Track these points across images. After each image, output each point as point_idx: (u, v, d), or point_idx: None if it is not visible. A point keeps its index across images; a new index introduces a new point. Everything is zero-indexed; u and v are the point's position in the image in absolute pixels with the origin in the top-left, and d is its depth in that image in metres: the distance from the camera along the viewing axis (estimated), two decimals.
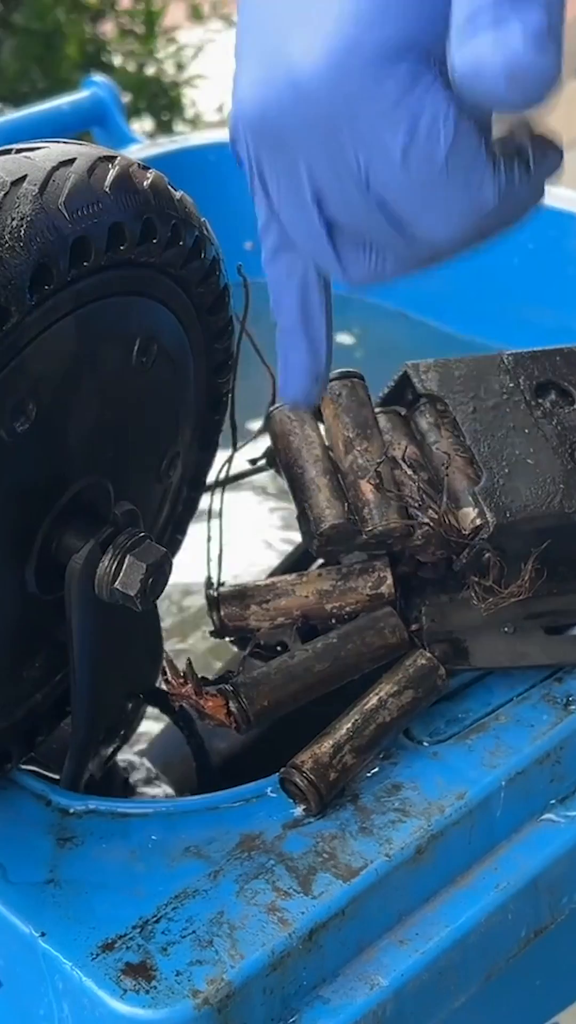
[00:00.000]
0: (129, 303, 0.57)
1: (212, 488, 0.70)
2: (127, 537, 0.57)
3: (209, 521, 0.72)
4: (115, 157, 0.55)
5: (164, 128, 2.80)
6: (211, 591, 0.69)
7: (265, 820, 0.62)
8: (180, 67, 2.88)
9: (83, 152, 0.54)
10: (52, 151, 0.53)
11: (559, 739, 0.65)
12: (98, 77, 1.32)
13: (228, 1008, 0.55)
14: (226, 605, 0.68)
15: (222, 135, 1.38)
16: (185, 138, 1.32)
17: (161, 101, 2.79)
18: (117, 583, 0.57)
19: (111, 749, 0.68)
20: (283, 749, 0.65)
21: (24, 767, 0.66)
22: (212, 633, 0.70)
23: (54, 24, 2.57)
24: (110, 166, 0.54)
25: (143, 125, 2.81)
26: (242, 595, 0.68)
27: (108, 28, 2.87)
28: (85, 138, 1.07)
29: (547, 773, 0.64)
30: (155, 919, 0.57)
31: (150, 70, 2.82)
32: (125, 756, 0.80)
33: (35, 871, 0.60)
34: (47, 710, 0.65)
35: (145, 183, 0.55)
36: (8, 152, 0.53)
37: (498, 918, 0.61)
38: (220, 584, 0.73)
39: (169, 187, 0.57)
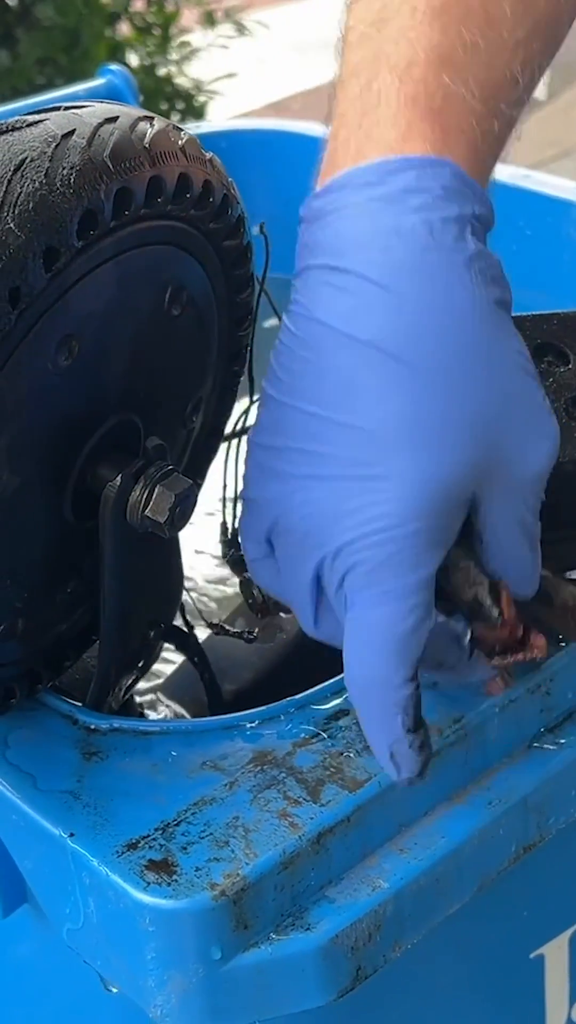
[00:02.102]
0: (163, 253, 0.62)
1: (229, 437, 0.75)
2: (157, 469, 0.62)
3: (225, 469, 0.77)
4: (153, 118, 0.60)
5: None
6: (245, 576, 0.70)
7: (276, 739, 0.67)
8: (198, 83, 2.93)
9: (125, 111, 0.59)
10: (98, 109, 0.58)
11: (549, 672, 0.70)
12: (114, 66, 1.36)
13: (243, 900, 0.59)
14: None
15: (234, 124, 1.43)
16: (197, 126, 1.37)
17: (176, 105, 2.84)
18: (148, 510, 0.62)
19: (131, 679, 0.73)
20: (290, 689, 0.70)
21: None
22: (254, 609, 0.72)
23: (76, 21, 2.61)
24: (149, 125, 0.59)
25: None
26: None
27: (124, 28, 2.92)
28: None
29: (538, 703, 0.69)
30: (175, 822, 0.62)
31: (162, 71, 2.87)
32: (141, 695, 0.86)
33: (63, 780, 0.65)
34: (75, 636, 0.70)
35: (180, 142, 0.61)
36: (57, 109, 0.58)
37: (490, 833, 0.66)
38: (235, 530, 0.78)
39: (200, 148, 0.63)
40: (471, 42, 0.58)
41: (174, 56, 2.90)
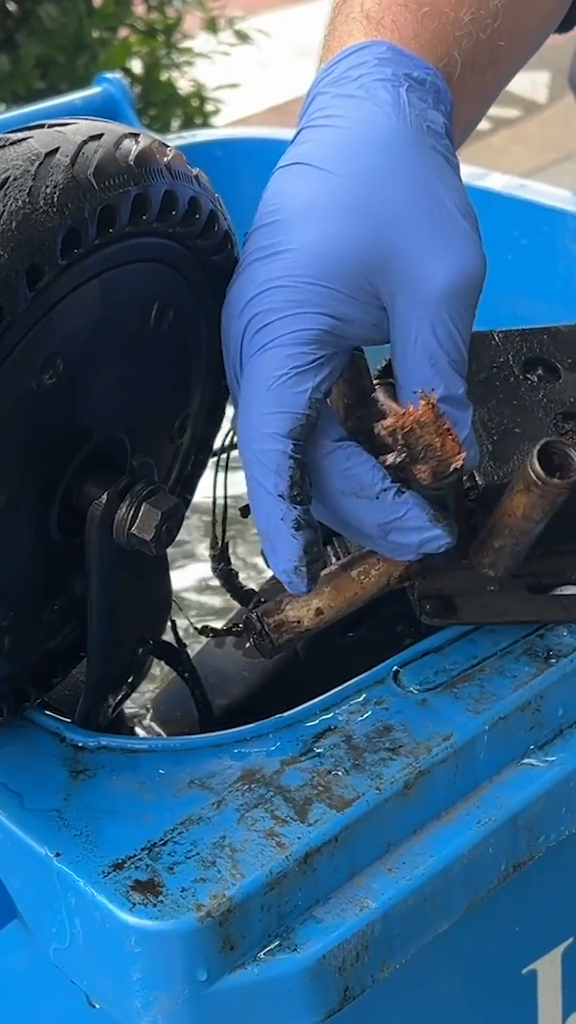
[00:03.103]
0: (149, 270, 0.62)
1: (219, 452, 0.75)
2: (143, 487, 0.62)
3: (215, 483, 0.77)
4: (138, 134, 0.60)
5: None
6: (251, 615, 0.69)
7: (265, 757, 0.66)
8: (202, 93, 2.93)
9: (110, 128, 0.59)
10: (82, 126, 0.58)
11: (539, 689, 0.69)
12: (110, 75, 1.36)
13: (229, 921, 0.59)
14: (262, 610, 0.69)
15: (228, 132, 1.43)
16: (192, 134, 1.37)
17: (176, 111, 2.84)
18: (134, 528, 0.62)
19: (120, 695, 0.72)
20: (280, 704, 0.70)
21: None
22: (260, 649, 0.70)
23: (77, 23, 2.61)
24: (134, 142, 0.59)
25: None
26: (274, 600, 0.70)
27: (124, 33, 2.92)
28: None
29: (528, 720, 0.69)
30: (162, 842, 0.62)
31: (164, 76, 2.87)
32: (131, 709, 0.85)
33: (50, 799, 0.64)
34: (62, 653, 0.69)
35: (166, 159, 0.60)
36: (42, 127, 0.58)
37: (479, 851, 0.66)
38: (225, 543, 0.78)
39: (186, 164, 0.62)
40: None
41: (177, 61, 2.90)
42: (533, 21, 0.74)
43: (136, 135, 0.60)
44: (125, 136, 0.59)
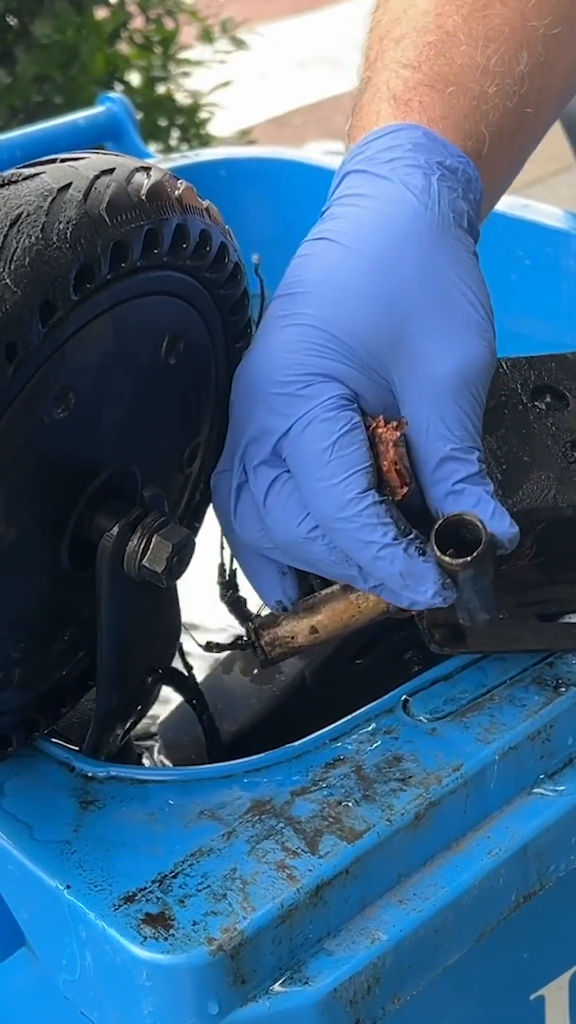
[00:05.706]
0: (160, 303, 0.62)
1: None
2: (154, 518, 0.62)
3: None
4: (150, 168, 0.60)
5: (176, 149, 2.85)
6: (248, 624, 0.71)
7: (275, 788, 0.66)
8: (196, 97, 2.93)
9: (121, 162, 0.59)
10: (94, 161, 0.58)
11: (549, 718, 0.69)
12: (113, 94, 1.37)
13: (240, 955, 0.59)
14: (259, 622, 0.71)
15: (232, 152, 1.43)
16: (196, 154, 1.36)
17: (177, 121, 2.84)
18: (145, 560, 0.62)
19: (129, 723, 0.72)
20: (288, 730, 0.70)
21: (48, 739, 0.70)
22: (262, 662, 0.72)
23: (73, 38, 2.62)
24: (146, 176, 0.59)
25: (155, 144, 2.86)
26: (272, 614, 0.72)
27: (123, 47, 2.92)
28: None
29: (538, 749, 0.69)
30: (172, 874, 0.62)
31: (161, 88, 2.87)
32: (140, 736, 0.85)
33: (59, 830, 0.64)
34: (72, 683, 0.69)
35: (177, 192, 0.60)
36: (54, 161, 0.58)
37: (490, 882, 0.66)
38: (233, 571, 0.78)
39: (197, 196, 0.62)
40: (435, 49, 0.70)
41: (174, 72, 2.89)
42: (558, 81, 0.74)
43: (148, 169, 0.60)
44: (137, 170, 0.59)
